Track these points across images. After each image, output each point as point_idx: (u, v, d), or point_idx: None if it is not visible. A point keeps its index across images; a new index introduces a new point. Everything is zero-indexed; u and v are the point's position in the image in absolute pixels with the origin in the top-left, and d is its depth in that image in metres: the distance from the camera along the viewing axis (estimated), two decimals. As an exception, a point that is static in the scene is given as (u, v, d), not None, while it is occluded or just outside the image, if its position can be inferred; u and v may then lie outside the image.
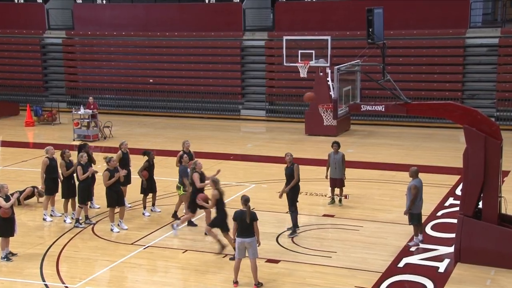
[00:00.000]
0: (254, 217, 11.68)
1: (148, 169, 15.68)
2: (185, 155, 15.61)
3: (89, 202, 15.62)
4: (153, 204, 16.25)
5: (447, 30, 28.06)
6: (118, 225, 14.88)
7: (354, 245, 13.87)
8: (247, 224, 11.59)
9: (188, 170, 15.01)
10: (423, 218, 14.15)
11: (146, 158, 15.93)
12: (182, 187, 15.11)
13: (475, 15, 29.02)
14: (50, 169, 15.42)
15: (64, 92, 33.64)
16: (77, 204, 15.30)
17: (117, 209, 14.92)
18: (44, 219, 15.60)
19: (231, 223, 12.40)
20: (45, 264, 13.15)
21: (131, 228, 15.00)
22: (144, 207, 15.96)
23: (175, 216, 15.52)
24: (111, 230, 14.78)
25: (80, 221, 15.14)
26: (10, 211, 13.16)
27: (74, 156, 15.66)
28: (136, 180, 16.44)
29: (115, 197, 14.70)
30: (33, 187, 16.97)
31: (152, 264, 13.19)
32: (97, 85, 32.92)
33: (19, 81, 34.19)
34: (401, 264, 12.87)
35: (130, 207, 16.45)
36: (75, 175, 15.25)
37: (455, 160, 20.32)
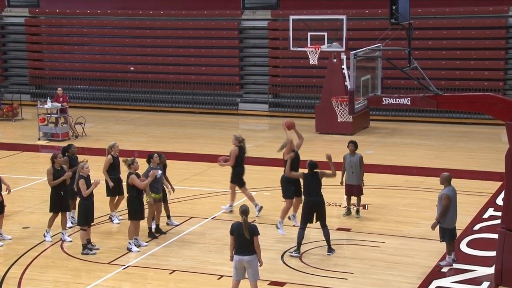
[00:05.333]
0: (254, 231, 11.69)
1: None
2: (155, 155, 15.51)
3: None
4: (168, 216, 16.25)
5: (486, 7, 28.05)
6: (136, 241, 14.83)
7: (375, 265, 13.88)
8: (245, 239, 11.60)
9: (159, 172, 15.17)
10: (458, 233, 14.14)
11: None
12: (151, 192, 15.16)
13: (520, -11, 29.05)
14: None
15: (27, 82, 33.67)
16: (71, 224, 15.38)
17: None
18: None
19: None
20: None
21: (107, 245, 15.01)
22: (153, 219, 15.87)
23: (158, 231, 15.50)
24: (129, 249, 14.63)
25: (90, 246, 14.69)
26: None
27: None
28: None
29: (140, 209, 14.70)
30: None
31: (133, 287, 13.19)
32: (67, 73, 32.95)
33: (-27, 68, 34.29)
34: (430, 288, 12.89)
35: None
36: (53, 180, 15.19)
37: (495, 163, 20.31)
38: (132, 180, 14.56)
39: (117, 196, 16.33)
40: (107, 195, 16.36)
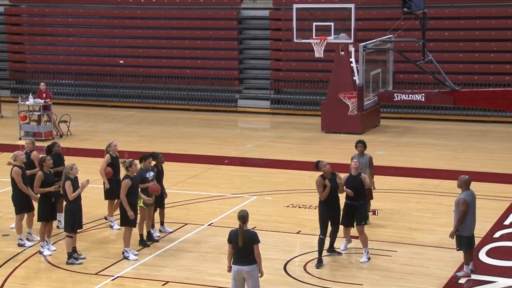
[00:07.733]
0: (254, 239, 11.70)
1: (155, 177, 15.66)
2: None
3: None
4: (162, 223, 16.25)
5: (507, -5, 28.12)
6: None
7: (386, 276, 13.89)
8: (243, 247, 11.60)
9: (150, 173, 15.21)
10: (476, 241, 14.16)
11: (153, 162, 15.88)
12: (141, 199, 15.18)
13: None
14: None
15: (7, 77, 33.70)
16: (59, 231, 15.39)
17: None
18: (22, 245, 15.38)
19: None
20: (-17, 300, 13.19)
21: (95, 254, 15.02)
22: (153, 226, 15.92)
23: (150, 238, 15.55)
24: (125, 257, 14.67)
25: (77, 256, 14.66)
26: None
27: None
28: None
29: (134, 215, 14.73)
30: None
31: (122, 300, 13.24)
32: (50, 67, 32.97)
33: (-51, 62, 34.32)
34: (446, 301, 12.93)
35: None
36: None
37: (517, 165, 20.34)
38: (122, 187, 14.56)
39: (116, 200, 16.15)
40: (105, 198, 16.38)
